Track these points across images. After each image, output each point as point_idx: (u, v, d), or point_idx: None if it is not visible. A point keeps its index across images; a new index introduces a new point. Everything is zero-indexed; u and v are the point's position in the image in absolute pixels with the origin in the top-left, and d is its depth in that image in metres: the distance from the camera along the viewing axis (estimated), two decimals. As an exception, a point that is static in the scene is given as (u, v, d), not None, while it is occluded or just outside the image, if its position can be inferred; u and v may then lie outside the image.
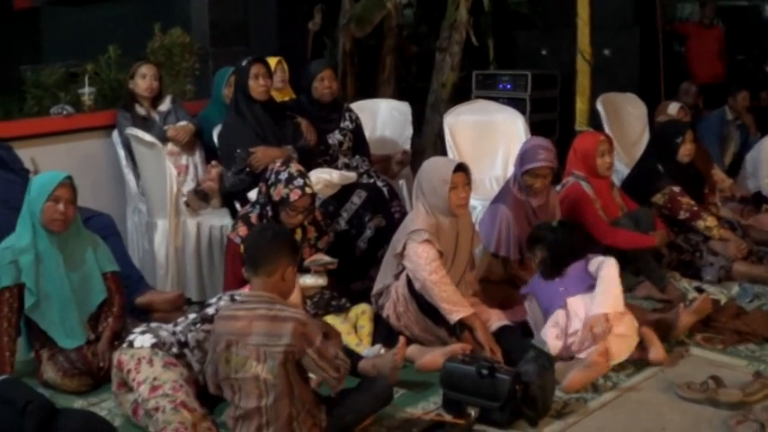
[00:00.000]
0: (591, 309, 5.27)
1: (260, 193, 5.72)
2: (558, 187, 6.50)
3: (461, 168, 5.43)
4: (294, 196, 5.51)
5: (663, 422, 4.69)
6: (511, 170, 6.51)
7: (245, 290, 4.83)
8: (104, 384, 5.11)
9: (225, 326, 4.24)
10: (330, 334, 4.37)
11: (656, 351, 5.36)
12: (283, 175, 5.57)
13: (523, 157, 5.99)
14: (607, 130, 8.37)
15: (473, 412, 4.58)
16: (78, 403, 5.03)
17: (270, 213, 5.61)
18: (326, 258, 5.74)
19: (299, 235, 5.69)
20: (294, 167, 5.61)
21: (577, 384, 4.97)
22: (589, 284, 5.41)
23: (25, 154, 6.63)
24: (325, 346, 4.19)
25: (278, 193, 5.53)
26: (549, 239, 5.54)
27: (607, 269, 5.42)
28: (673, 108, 8.63)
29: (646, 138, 8.69)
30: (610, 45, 10.29)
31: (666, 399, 4.94)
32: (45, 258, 5.25)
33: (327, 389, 4.40)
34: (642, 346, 5.39)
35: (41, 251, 5.25)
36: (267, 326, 4.11)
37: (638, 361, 5.36)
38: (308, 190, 5.56)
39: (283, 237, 4.44)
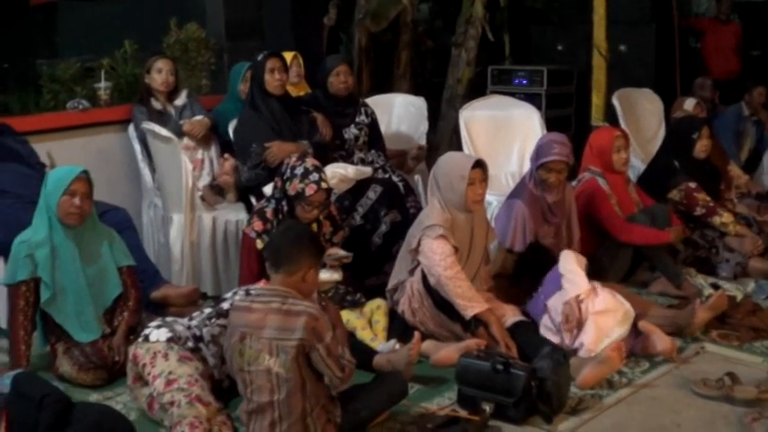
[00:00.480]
0: (561, 301, 5.30)
1: (275, 188, 5.73)
2: (574, 183, 6.48)
3: (479, 164, 5.42)
4: (310, 191, 5.50)
5: (678, 419, 4.68)
6: (526, 166, 6.50)
7: (261, 284, 4.84)
8: (120, 378, 5.13)
9: (240, 317, 4.25)
10: (339, 333, 4.35)
11: (661, 340, 5.35)
12: (299, 170, 5.57)
13: (539, 152, 5.98)
14: (623, 125, 8.36)
15: (488, 408, 4.58)
16: (93, 397, 5.05)
17: (285, 208, 5.61)
18: (342, 252, 5.74)
19: (314, 230, 5.69)
20: (310, 162, 5.61)
21: (592, 380, 4.97)
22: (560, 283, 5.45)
23: (41, 148, 6.64)
24: (334, 344, 4.18)
25: (293, 187, 5.53)
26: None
27: (563, 261, 5.49)
28: (689, 104, 8.61)
29: (662, 133, 8.68)
30: (626, 41, 10.27)
31: (682, 395, 4.94)
32: (61, 252, 5.27)
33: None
34: (647, 339, 5.39)
35: (57, 245, 5.26)
36: (280, 320, 4.11)
37: (652, 357, 5.36)
38: (323, 185, 5.55)
39: (308, 238, 4.43)
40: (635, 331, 5.41)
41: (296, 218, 5.59)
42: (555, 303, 5.41)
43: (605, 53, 8.29)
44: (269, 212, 5.69)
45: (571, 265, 5.45)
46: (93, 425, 4.20)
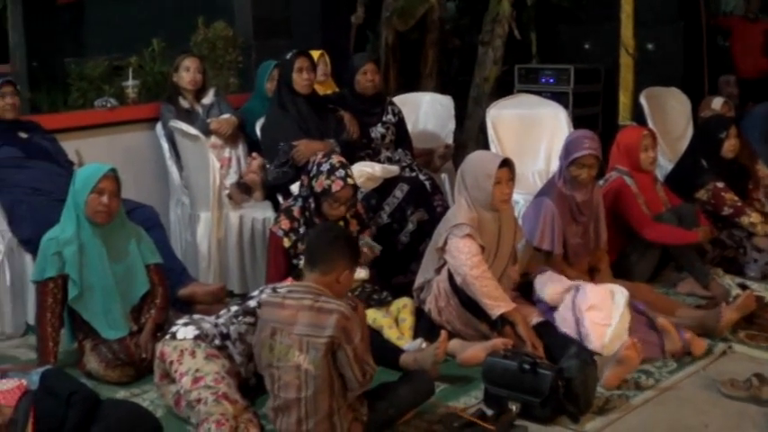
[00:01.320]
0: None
1: (302, 185, 5.74)
2: (601, 182, 6.46)
3: (506, 164, 5.41)
4: (336, 187, 5.52)
5: (705, 419, 4.66)
6: (553, 165, 6.49)
7: (288, 283, 4.85)
8: (147, 375, 5.15)
9: (271, 313, 4.26)
10: (365, 337, 4.35)
11: (671, 342, 5.34)
12: (325, 167, 5.58)
13: (568, 148, 5.94)
14: (650, 124, 8.32)
15: (514, 407, 4.57)
16: (121, 394, 5.06)
17: (312, 206, 5.62)
18: (371, 241, 5.76)
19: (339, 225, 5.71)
20: (336, 159, 5.62)
21: (615, 380, 4.96)
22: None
23: (70, 146, 6.68)
24: (362, 347, 4.19)
25: (320, 184, 5.54)
26: None
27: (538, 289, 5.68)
28: (716, 103, 8.57)
29: (689, 133, 8.64)
30: (653, 39, 10.22)
31: (709, 396, 4.91)
32: (89, 250, 5.29)
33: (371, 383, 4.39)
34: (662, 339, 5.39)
35: (85, 242, 5.29)
36: (312, 317, 4.12)
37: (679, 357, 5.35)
38: (349, 180, 5.57)
39: (345, 240, 4.44)
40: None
41: (323, 215, 5.60)
42: (563, 314, 5.43)
43: (633, 52, 8.27)
44: (296, 211, 5.70)
45: (545, 286, 5.53)
46: (120, 422, 4.22)
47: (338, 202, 5.57)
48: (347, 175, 5.58)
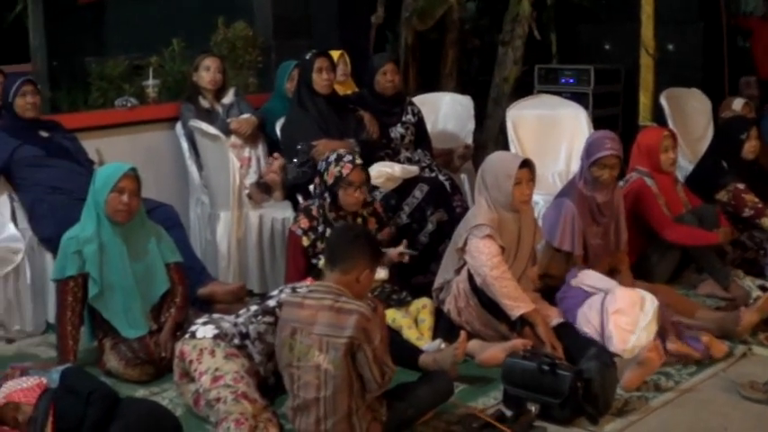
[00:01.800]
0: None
1: (316, 186, 5.76)
2: (622, 183, 6.44)
3: (526, 164, 5.41)
4: (346, 170, 5.56)
5: (725, 422, 4.64)
6: (574, 165, 6.48)
7: (307, 282, 4.85)
8: (166, 374, 5.16)
9: (291, 312, 4.27)
10: (384, 338, 4.35)
11: (672, 343, 5.32)
12: (332, 158, 5.68)
13: (590, 149, 5.92)
14: (671, 125, 8.30)
15: (533, 408, 4.56)
16: (140, 392, 5.07)
17: (328, 200, 5.64)
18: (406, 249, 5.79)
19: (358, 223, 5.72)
20: (342, 150, 5.67)
21: (635, 382, 4.94)
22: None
23: (90, 145, 6.70)
24: (381, 348, 4.19)
25: (331, 174, 5.59)
26: None
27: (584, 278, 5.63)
28: (737, 104, 8.54)
29: (710, 134, 8.61)
30: (673, 40, 10.19)
31: (729, 398, 4.90)
32: (109, 248, 5.30)
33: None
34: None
35: (105, 241, 5.30)
36: (332, 317, 4.12)
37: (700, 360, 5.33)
38: (358, 161, 5.64)
39: (366, 239, 4.44)
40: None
41: (340, 207, 5.63)
42: (588, 314, 5.41)
43: (653, 52, 8.25)
44: (314, 210, 5.73)
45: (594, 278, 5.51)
46: (140, 420, 4.23)
47: (352, 187, 5.60)
48: (354, 159, 5.65)
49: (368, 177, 5.77)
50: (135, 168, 5.36)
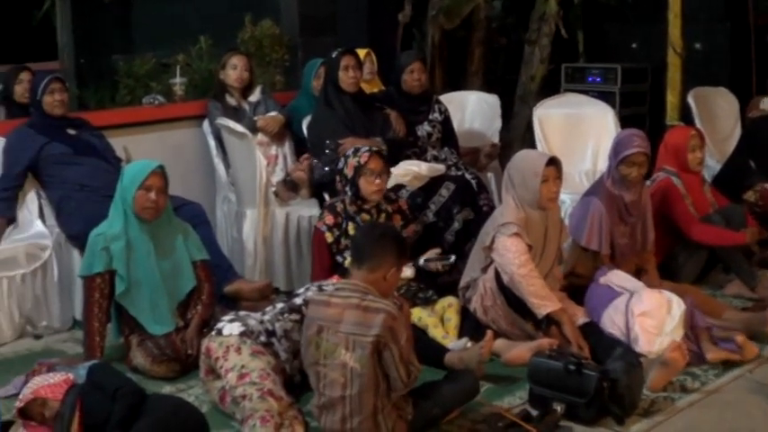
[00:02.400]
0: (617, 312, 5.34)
1: (338, 182, 5.78)
2: (648, 182, 6.42)
3: (553, 162, 5.39)
4: (364, 158, 5.61)
5: (751, 424, 4.62)
6: (600, 164, 6.46)
7: (333, 280, 4.86)
8: (192, 371, 5.17)
9: (318, 311, 4.27)
10: (410, 338, 4.35)
11: (711, 353, 5.29)
12: (349, 152, 5.75)
13: (618, 147, 5.89)
14: (698, 124, 8.26)
15: (559, 408, 4.55)
16: (166, 389, 5.09)
17: (349, 193, 5.66)
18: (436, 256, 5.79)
19: (382, 220, 5.72)
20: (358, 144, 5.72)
21: (661, 382, 4.92)
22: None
23: (118, 143, 6.72)
24: (407, 348, 4.19)
25: (350, 166, 5.62)
26: None
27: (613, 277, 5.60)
28: (765, 103, 8.52)
29: (737, 133, 8.57)
30: (701, 39, 10.15)
31: (755, 400, 4.87)
32: (136, 246, 5.32)
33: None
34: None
35: (133, 238, 5.32)
36: (358, 315, 4.13)
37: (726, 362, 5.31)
38: (374, 148, 5.66)
39: (393, 238, 4.43)
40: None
41: (363, 200, 5.64)
42: (613, 315, 5.39)
43: (680, 51, 8.21)
44: (339, 206, 5.74)
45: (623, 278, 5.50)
46: (166, 416, 4.24)
47: (373, 174, 5.62)
48: (371, 148, 5.71)
49: (387, 166, 5.78)
50: (162, 166, 5.38)
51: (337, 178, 5.78)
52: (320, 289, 4.68)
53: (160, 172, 5.34)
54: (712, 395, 4.96)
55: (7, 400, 4.84)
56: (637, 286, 5.48)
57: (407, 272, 5.64)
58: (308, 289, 4.86)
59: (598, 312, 5.45)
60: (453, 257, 5.90)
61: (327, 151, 6.50)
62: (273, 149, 7.17)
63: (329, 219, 5.73)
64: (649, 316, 5.22)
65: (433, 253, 5.85)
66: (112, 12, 12.16)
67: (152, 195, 5.27)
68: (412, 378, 4.25)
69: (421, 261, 5.77)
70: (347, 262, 5.40)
